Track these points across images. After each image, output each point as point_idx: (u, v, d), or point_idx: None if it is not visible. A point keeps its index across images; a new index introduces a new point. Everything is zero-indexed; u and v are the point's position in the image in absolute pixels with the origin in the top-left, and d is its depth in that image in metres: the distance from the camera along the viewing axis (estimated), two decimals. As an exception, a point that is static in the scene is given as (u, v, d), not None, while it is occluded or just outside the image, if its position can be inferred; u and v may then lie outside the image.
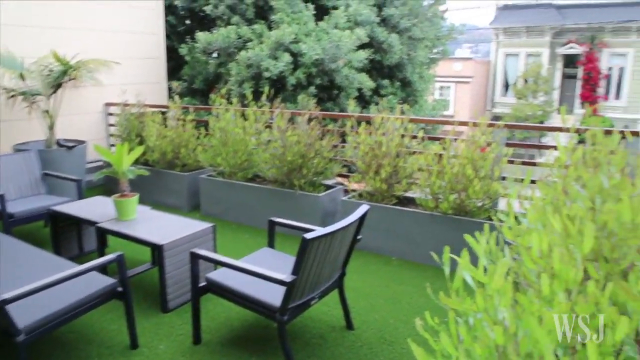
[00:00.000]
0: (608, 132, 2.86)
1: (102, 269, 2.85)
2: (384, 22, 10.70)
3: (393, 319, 3.41)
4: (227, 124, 5.45)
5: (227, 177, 5.56)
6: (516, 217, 1.98)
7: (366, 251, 4.56)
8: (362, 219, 2.90)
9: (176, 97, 6.43)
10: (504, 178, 4.17)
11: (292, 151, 4.86)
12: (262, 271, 2.65)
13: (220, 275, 2.97)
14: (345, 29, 9.39)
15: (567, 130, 3.04)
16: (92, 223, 3.82)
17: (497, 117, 24.73)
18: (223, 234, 4.91)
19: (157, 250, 3.40)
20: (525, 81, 24.63)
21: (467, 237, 1.61)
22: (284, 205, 5.07)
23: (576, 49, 24.57)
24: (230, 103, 5.75)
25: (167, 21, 10.40)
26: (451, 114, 24.26)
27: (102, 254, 3.66)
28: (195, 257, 2.93)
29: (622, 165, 2.16)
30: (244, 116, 5.56)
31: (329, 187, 5.17)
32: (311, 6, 9.73)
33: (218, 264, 2.88)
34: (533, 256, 1.61)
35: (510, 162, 4.31)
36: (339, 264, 3.06)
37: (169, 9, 10.74)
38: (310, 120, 5.10)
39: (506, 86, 26.78)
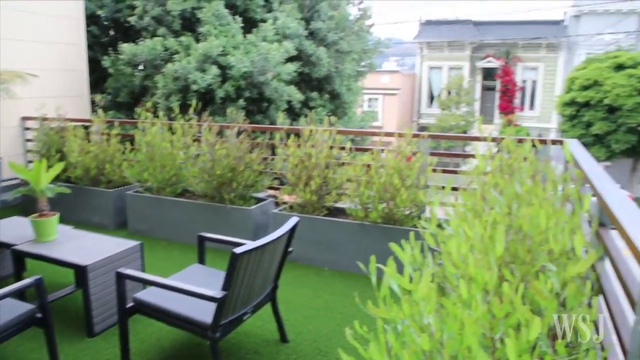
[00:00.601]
0: (520, 141, 3.06)
1: (20, 294, 2.69)
2: (312, 35, 10.86)
3: (327, 329, 3.44)
4: (154, 138, 5.31)
5: (155, 193, 5.41)
6: (440, 224, 2.07)
7: (298, 263, 4.58)
8: (292, 231, 2.92)
9: (100, 111, 6.19)
10: (429, 186, 4.33)
11: (222, 165, 4.81)
12: (191, 288, 2.60)
13: (148, 295, 2.88)
14: (273, 41, 9.44)
15: (484, 139, 3.21)
16: (7, 246, 3.59)
17: (423, 128, 25.69)
18: (152, 251, 4.76)
19: (80, 272, 3.24)
20: (449, 93, 25.80)
21: (393, 246, 1.66)
22: (214, 219, 5.00)
23: (494, 63, 26.06)
24: (157, 117, 5.62)
25: (89, 31, 10.01)
26: (380, 124, 24.93)
27: (19, 279, 3.44)
28: (121, 277, 2.82)
29: (532, 172, 2.33)
30: (171, 130, 5.45)
31: (260, 200, 5.15)
32: (239, 19, 9.71)
33: (146, 283, 2.80)
34: (454, 261, 1.69)
35: (436, 170, 4.49)
36: (270, 277, 3.05)
37: (91, 19, 10.34)
38: (239, 133, 5.08)
39: (431, 98, 27.88)
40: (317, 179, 4.50)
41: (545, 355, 1.50)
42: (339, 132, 4.84)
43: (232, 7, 10.06)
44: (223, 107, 9.02)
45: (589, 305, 1.95)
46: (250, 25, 10.11)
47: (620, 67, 18.21)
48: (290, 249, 3.04)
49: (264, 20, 10.16)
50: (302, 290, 4.07)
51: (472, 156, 4.73)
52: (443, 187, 2.73)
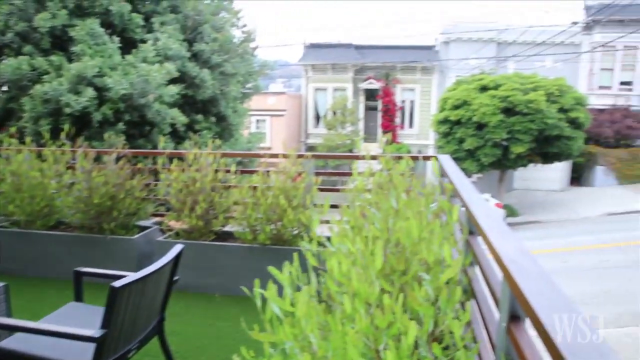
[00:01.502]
0: (398, 158, 3.23)
1: None
2: (195, 57, 10.70)
3: (219, 358, 3.35)
4: (20, 166, 4.85)
5: (24, 227, 4.93)
6: (322, 243, 2.11)
7: (188, 292, 4.40)
8: (176, 259, 2.81)
9: (-47, 138, 5.55)
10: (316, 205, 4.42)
11: (100, 193, 4.52)
12: (65, 330, 2.39)
13: (15, 342, 2.59)
14: (154, 63, 9.15)
15: (363, 157, 3.36)
16: None
17: (311, 147, 26.27)
18: (21, 293, 4.30)
19: None
20: (334, 113, 26.72)
21: (271, 269, 1.66)
22: (94, 252, 4.68)
23: (375, 85, 27.51)
24: (24, 143, 5.15)
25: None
26: (268, 146, 25.08)
27: None
28: (-20, 325, 2.52)
29: (406, 187, 2.46)
30: (41, 157, 5.02)
31: (144, 228, 4.91)
32: (116, 39, 9.29)
33: (11, 329, 2.52)
34: (335, 278, 1.73)
35: (324, 189, 4.59)
36: (156, 310, 2.91)
37: (-58, 36, 9.31)
38: (119, 158, 4.82)
39: (318, 118, 28.66)
40: (202, 204, 4.40)
41: (425, 359, 1.58)
42: (224, 154, 4.79)
43: (109, 26, 9.60)
44: (101, 131, 8.53)
45: (464, 308, 2.09)
46: (129, 45, 9.72)
47: (484, 89, 20.12)
48: (176, 278, 2.92)
49: (144, 41, 9.83)
50: (192, 320, 3.92)
51: (355, 174, 4.92)
52: (332, 206, 2.79)
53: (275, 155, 4.66)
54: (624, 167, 24.31)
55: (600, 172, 24.67)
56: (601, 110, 24.85)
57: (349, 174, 5.26)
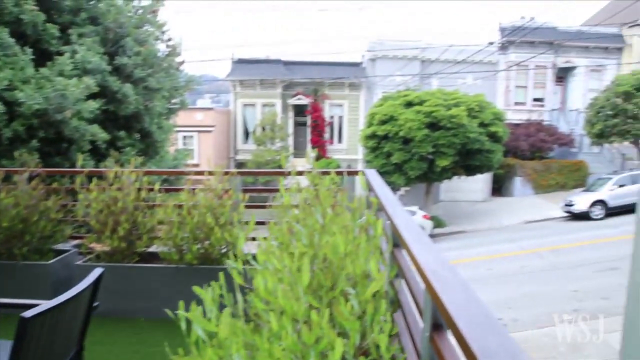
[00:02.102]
0: (324, 173, 3.24)
1: None
2: (117, 71, 10.30)
3: (144, 386, 3.18)
4: None
5: None
6: (247, 261, 2.06)
7: (111, 317, 4.16)
8: (96, 283, 2.65)
9: None
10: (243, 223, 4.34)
11: (9, 215, 4.21)
12: (-34, 368, 2.18)
13: None
14: (72, 76, 8.71)
15: (288, 173, 3.35)
16: None
17: (240, 164, 26.02)
18: None
19: None
20: (263, 129, 26.63)
21: (195, 289, 1.61)
22: (3, 280, 4.33)
23: (303, 100, 27.74)
24: None
25: None
26: (196, 162, 24.57)
27: None
28: None
29: (332, 202, 2.47)
30: (-59, 178, 4.61)
31: (61, 252, 4.61)
32: (29, 50, 8.74)
33: None
34: (261, 296, 1.69)
35: (253, 206, 4.52)
36: (73, 340, 2.72)
37: None
38: (31, 178, 4.52)
39: (247, 134, 28.44)
40: (125, 224, 4.20)
41: (352, 373, 1.57)
42: (147, 172, 4.61)
43: (20, 37, 9.02)
44: (11, 148, 7.97)
45: (391, 320, 2.11)
46: (44, 57, 9.19)
47: (409, 104, 20.82)
48: (95, 304, 2.75)
49: (60, 53, 9.34)
50: (116, 348, 3.72)
51: (286, 190, 4.89)
52: (254, 223, 2.74)
53: (201, 173, 4.55)
54: (539, 178, 25.95)
55: (518, 183, 26.17)
56: (517, 125, 26.49)
57: (278, 190, 5.25)
